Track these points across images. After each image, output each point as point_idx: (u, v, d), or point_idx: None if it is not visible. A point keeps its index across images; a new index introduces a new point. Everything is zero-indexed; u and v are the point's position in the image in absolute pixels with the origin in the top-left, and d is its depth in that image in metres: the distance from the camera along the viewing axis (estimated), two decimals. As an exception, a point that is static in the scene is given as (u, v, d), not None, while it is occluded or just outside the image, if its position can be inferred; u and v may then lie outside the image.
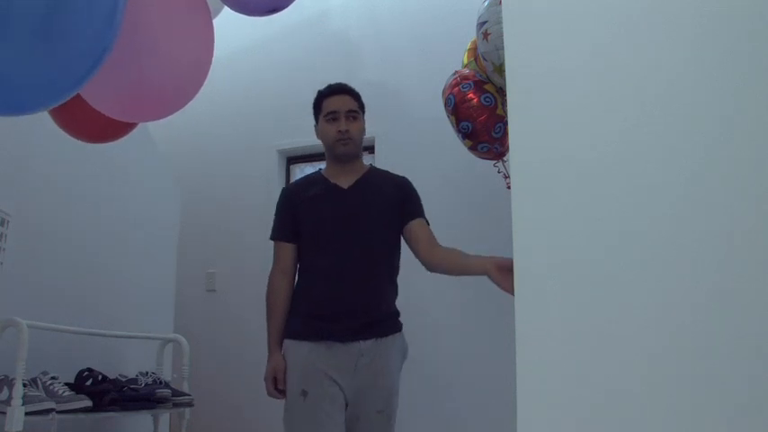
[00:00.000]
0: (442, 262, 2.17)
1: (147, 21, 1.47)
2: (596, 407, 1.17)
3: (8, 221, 2.06)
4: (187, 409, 2.74)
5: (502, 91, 2.67)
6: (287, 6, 1.93)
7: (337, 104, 2.31)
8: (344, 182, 2.33)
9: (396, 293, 2.31)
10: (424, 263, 2.23)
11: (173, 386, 2.72)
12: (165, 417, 2.88)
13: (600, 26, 1.28)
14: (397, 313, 2.30)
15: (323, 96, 2.35)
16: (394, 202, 2.30)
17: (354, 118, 2.32)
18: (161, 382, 2.65)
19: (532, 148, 1.31)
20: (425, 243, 2.22)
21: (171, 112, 1.75)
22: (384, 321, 2.23)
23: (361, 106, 2.37)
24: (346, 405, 2.16)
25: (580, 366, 1.18)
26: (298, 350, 2.19)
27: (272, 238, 2.36)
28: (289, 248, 2.32)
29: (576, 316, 1.22)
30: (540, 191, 1.28)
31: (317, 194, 2.31)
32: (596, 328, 1.19)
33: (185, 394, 2.74)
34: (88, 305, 2.67)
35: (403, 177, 2.41)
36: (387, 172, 2.47)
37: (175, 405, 2.66)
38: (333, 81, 2.41)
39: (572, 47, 1.30)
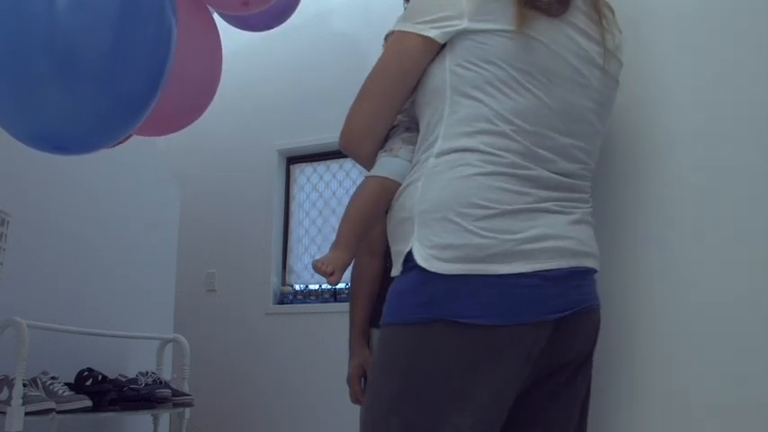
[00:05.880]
0: None
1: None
2: (595, 406, 1.17)
3: (8, 221, 2.06)
4: (187, 409, 2.74)
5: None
6: (282, 23, 1.98)
7: None
8: None
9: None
10: None
11: (173, 386, 2.72)
12: (165, 417, 2.87)
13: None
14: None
15: None
16: None
17: None
18: (161, 382, 2.65)
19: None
20: None
21: (179, 129, 1.81)
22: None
23: None
24: None
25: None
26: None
27: None
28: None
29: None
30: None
31: None
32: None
33: (185, 394, 2.74)
34: (88, 305, 2.67)
35: None
36: None
37: (175, 405, 2.66)
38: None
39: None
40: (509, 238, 0.93)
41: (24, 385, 2.04)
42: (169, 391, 2.62)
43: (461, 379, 0.94)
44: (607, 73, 1.05)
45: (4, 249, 2.05)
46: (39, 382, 2.19)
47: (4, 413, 1.98)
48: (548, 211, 0.97)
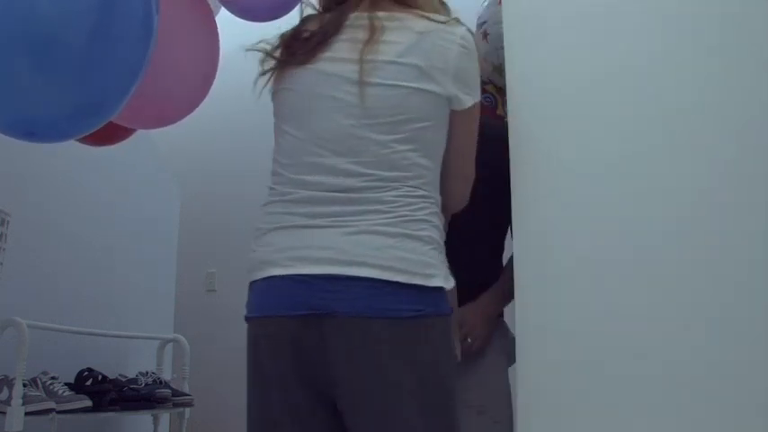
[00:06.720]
0: None
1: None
2: (595, 406, 1.17)
3: (8, 221, 2.06)
4: (187, 409, 2.74)
5: (502, 91, 2.66)
6: (288, 13, 1.96)
7: None
8: None
9: None
10: None
11: (173, 386, 2.72)
12: (165, 417, 2.87)
13: (599, 26, 1.28)
14: None
15: None
16: None
17: None
18: (161, 382, 2.65)
19: (532, 148, 1.31)
20: None
21: (174, 121, 1.79)
22: None
23: None
24: None
25: (579, 366, 1.18)
26: None
27: None
28: None
29: (575, 316, 1.22)
30: (540, 191, 1.28)
31: None
32: (595, 328, 1.19)
33: (185, 394, 2.74)
34: (88, 305, 2.67)
35: None
36: None
37: (175, 405, 2.66)
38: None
39: (571, 46, 1.30)
40: (266, 249, 1.19)
41: (24, 385, 2.04)
42: (169, 391, 2.62)
43: (251, 365, 1.20)
44: (368, 84, 1.16)
45: (4, 249, 2.05)
46: (39, 382, 2.19)
47: (4, 413, 1.98)
48: (315, 226, 1.15)
